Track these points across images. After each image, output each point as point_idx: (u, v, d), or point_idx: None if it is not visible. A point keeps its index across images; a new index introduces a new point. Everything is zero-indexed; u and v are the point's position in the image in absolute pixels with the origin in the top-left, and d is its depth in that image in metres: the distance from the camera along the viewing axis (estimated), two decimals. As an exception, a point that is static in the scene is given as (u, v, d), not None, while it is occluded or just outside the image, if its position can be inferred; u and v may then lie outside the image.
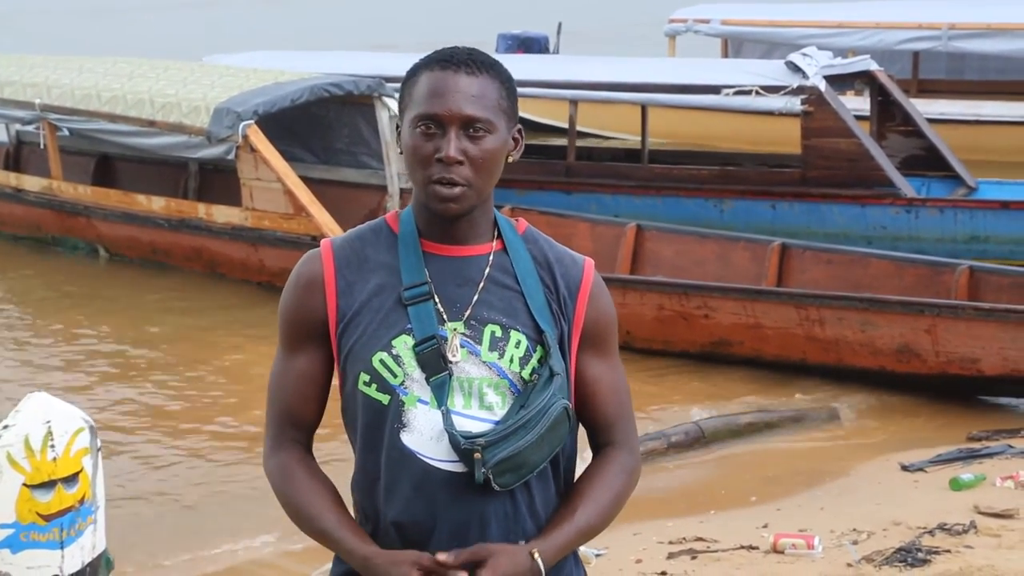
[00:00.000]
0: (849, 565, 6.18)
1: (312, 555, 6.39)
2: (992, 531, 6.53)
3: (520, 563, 2.65)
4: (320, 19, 33.48)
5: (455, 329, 2.71)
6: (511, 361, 2.71)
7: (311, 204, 11.25)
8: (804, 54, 12.40)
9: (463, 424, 2.68)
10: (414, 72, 2.74)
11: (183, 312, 11.22)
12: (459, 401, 2.70)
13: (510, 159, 2.77)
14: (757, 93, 12.27)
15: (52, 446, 4.31)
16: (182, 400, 9.27)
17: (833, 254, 10.41)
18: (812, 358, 9.41)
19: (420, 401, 2.70)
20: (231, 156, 11.56)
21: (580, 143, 13.92)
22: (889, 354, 9.15)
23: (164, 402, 9.24)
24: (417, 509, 2.70)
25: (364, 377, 2.72)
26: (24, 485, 4.29)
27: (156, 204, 12.23)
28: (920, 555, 6.15)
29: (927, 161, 12.76)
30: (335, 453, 5.37)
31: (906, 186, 12.06)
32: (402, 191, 12.09)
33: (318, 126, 12.75)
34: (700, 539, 6.61)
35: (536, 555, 2.66)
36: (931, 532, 6.49)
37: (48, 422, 4.32)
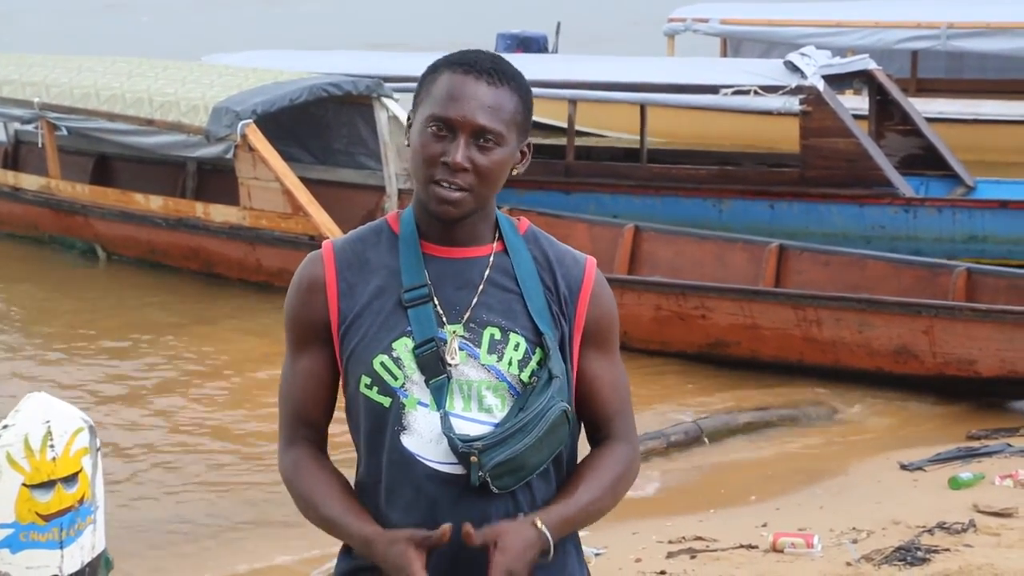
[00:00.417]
0: (848, 564, 6.18)
1: (313, 555, 6.39)
2: (991, 530, 6.54)
3: (527, 537, 2.64)
4: (320, 19, 33.46)
5: (454, 332, 2.71)
6: (510, 364, 2.71)
7: (309, 204, 11.23)
8: (803, 53, 12.39)
9: (462, 427, 2.69)
10: (435, 69, 2.73)
11: (181, 312, 11.22)
12: (458, 404, 2.70)
13: (515, 172, 2.76)
14: (756, 93, 12.26)
15: (52, 446, 4.32)
16: (181, 399, 9.27)
17: (831, 255, 10.40)
18: (809, 359, 9.40)
19: (420, 404, 2.71)
20: (229, 155, 11.55)
21: (579, 143, 13.92)
22: (886, 355, 9.15)
23: (163, 402, 9.24)
24: (418, 511, 2.70)
25: (365, 380, 2.72)
26: (24, 485, 4.29)
27: (154, 203, 12.22)
28: (919, 554, 6.16)
29: (926, 160, 12.76)
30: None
31: (905, 186, 12.05)
32: (400, 191, 12.07)
33: (317, 126, 12.74)
34: (699, 538, 6.62)
35: (539, 523, 2.66)
36: (930, 531, 6.49)
37: (48, 422, 4.33)
